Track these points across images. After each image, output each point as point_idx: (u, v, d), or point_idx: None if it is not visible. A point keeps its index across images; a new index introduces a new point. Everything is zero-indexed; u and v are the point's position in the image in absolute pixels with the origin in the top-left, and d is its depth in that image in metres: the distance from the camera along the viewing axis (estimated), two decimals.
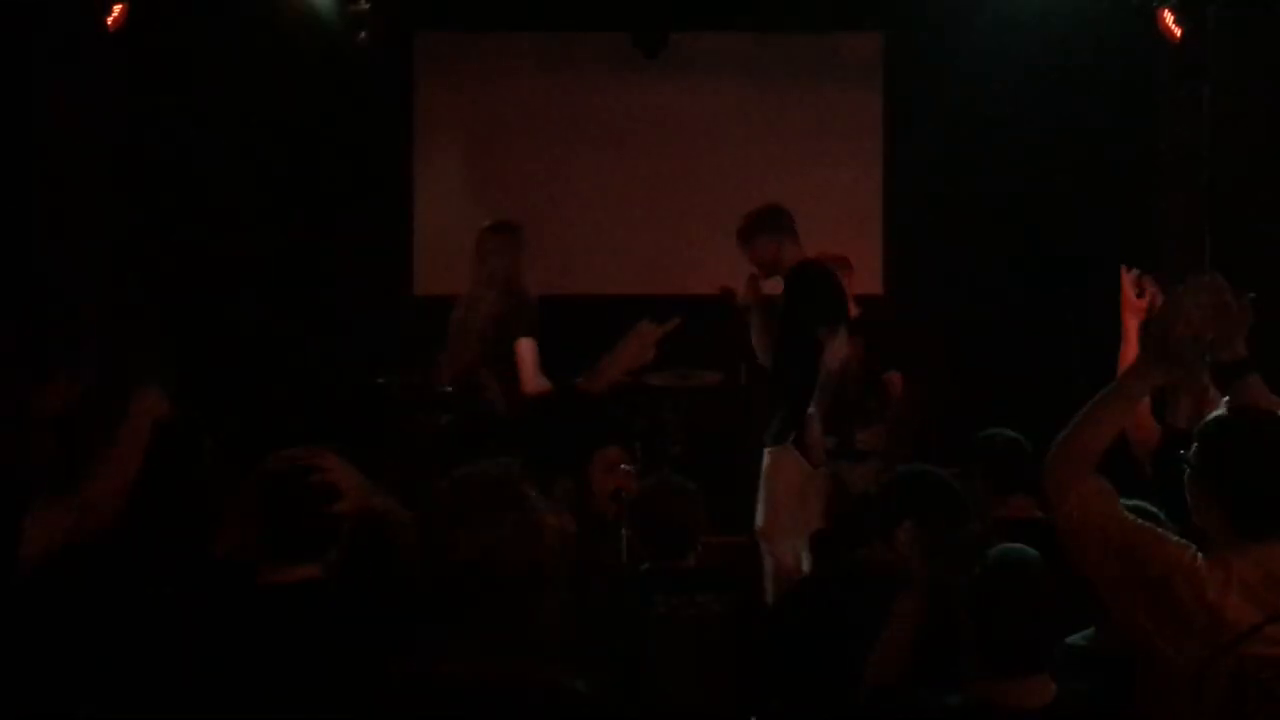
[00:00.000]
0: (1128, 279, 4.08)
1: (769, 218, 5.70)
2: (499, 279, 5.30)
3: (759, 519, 5.61)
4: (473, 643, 2.09)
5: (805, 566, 5.21)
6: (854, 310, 6.00)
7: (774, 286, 5.88)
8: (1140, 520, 2.65)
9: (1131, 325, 4.10)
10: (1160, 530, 2.65)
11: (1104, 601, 2.69)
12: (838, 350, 5.43)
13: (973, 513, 3.31)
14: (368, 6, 7.55)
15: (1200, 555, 2.55)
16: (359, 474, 2.86)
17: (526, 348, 5.15)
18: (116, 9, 6.52)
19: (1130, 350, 4.08)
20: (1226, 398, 3.20)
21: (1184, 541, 2.61)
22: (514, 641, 2.09)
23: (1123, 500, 2.69)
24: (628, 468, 4.53)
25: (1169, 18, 6.82)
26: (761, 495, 5.59)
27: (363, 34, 7.62)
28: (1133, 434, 3.64)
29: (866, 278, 8.04)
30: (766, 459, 5.58)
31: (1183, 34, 6.81)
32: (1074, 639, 3.01)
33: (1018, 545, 2.66)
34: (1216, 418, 2.75)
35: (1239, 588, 2.50)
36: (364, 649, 2.60)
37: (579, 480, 4.24)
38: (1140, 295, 4.06)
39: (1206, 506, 2.64)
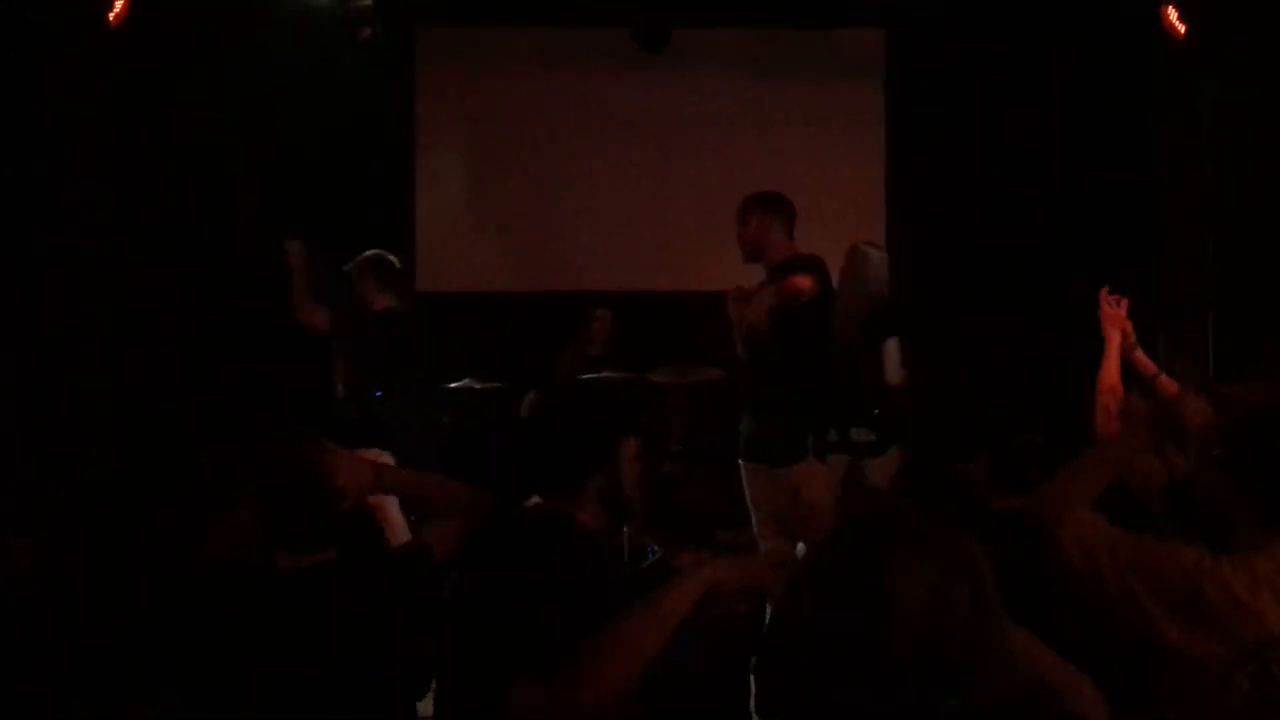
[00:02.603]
0: (1104, 299, 4.15)
1: (767, 199, 5.54)
2: None
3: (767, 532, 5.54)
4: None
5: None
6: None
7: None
8: (1134, 535, 2.62)
9: (1113, 338, 4.14)
10: (1159, 541, 2.62)
11: (1123, 619, 2.60)
12: None
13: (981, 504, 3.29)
14: (371, 2, 7.56)
15: (1209, 556, 2.51)
16: (359, 462, 2.86)
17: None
18: (119, 3, 6.52)
19: (1112, 363, 4.12)
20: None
21: (1186, 546, 2.57)
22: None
23: None
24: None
25: (1172, 14, 6.81)
26: (795, 511, 5.36)
27: (366, 31, 7.62)
28: (1132, 479, 3.63)
29: None
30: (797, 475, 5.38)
31: (1186, 30, 6.80)
32: None
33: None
34: (1251, 407, 2.70)
35: (1269, 588, 2.46)
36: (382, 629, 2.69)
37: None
38: (1116, 306, 4.12)
39: (1235, 497, 2.59)
